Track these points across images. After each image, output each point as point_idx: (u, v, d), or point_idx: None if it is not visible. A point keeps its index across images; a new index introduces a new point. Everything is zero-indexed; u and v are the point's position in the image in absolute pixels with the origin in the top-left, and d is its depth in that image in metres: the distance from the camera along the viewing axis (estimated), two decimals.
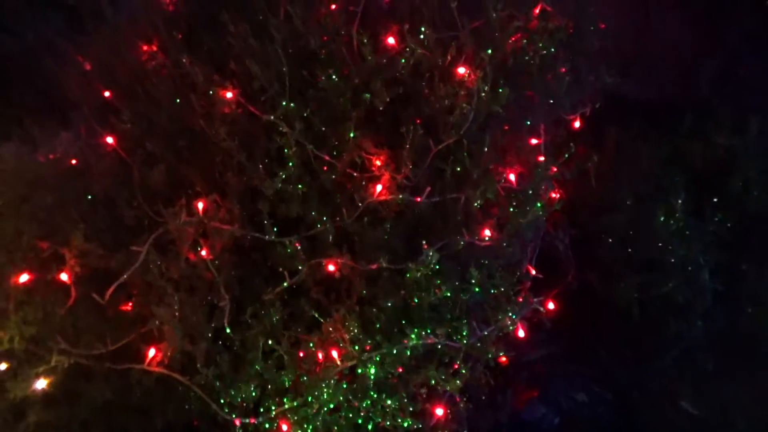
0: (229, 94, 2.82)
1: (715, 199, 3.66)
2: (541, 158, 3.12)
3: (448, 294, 2.73)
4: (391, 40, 2.86)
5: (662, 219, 3.50)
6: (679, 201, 3.51)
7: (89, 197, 2.82)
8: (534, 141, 3.16)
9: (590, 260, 3.58)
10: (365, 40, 2.78)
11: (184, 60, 2.87)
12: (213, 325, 2.68)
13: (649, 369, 3.67)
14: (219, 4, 3.13)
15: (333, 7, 2.88)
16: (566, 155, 3.02)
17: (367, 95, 2.77)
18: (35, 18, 4.93)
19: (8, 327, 2.36)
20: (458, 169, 2.88)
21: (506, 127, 3.06)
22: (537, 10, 3.15)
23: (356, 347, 2.61)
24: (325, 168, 2.82)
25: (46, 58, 3.88)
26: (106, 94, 3.25)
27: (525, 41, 2.95)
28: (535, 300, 3.02)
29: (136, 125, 3.01)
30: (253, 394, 2.64)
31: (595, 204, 3.59)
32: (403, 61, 2.83)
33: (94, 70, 3.43)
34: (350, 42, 2.87)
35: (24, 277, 2.49)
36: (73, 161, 3.18)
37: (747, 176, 3.68)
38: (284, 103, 2.77)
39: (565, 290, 3.46)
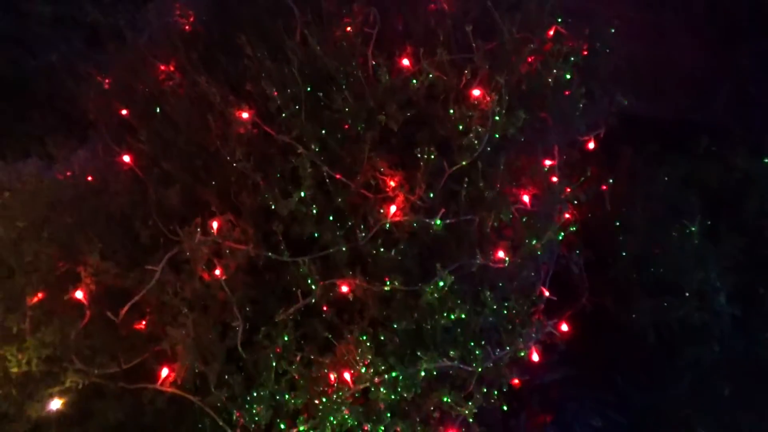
0: (245, 115, 2.85)
1: (732, 222, 3.62)
2: (555, 179, 3.11)
3: (462, 316, 2.70)
4: (405, 62, 2.88)
5: (678, 242, 3.47)
6: (695, 223, 3.48)
7: (106, 216, 2.83)
8: (548, 162, 3.15)
9: (605, 283, 3.55)
10: (380, 62, 2.80)
11: (201, 80, 2.90)
12: (226, 345, 2.67)
13: (665, 394, 3.61)
14: (236, 26, 3.19)
15: (348, 29, 2.91)
16: (582, 178, 3.01)
17: (382, 117, 2.78)
18: (56, 38, 5.03)
19: (25, 348, 2.36)
20: (472, 190, 2.87)
21: (520, 149, 3.06)
22: (551, 32, 3.16)
23: (369, 369, 2.59)
24: (340, 188, 2.83)
25: (66, 77, 3.94)
26: (124, 112, 3.30)
27: (540, 64, 2.96)
28: (549, 323, 3.00)
29: (152, 144, 3.04)
30: (266, 415, 2.62)
31: (609, 226, 3.56)
32: (414, 81, 2.84)
33: (113, 89, 3.49)
34: (365, 64, 2.90)
35: (41, 296, 2.51)
36: (90, 178, 3.22)
37: (763, 199, 3.65)
38: (300, 124, 2.79)
39: (579, 313, 3.43)
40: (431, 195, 2.79)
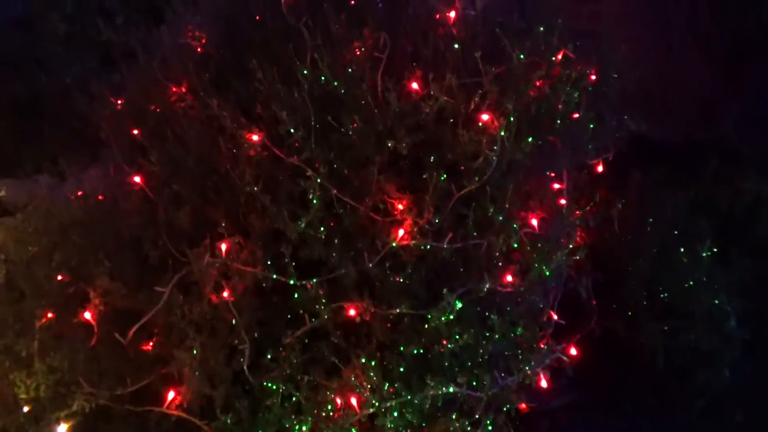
0: (255, 137, 2.87)
1: (742, 246, 3.60)
2: (563, 201, 3.11)
3: (470, 341, 2.69)
4: (414, 86, 2.89)
5: (687, 265, 3.44)
6: (705, 247, 3.46)
7: (116, 236, 2.85)
8: (557, 186, 3.15)
9: (614, 306, 3.52)
10: (390, 86, 2.82)
11: (212, 102, 2.92)
12: (232, 368, 2.67)
13: (675, 419, 3.57)
14: (248, 49, 3.23)
15: (358, 53, 2.93)
16: (591, 203, 3.00)
17: (391, 141, 2.79)
18: (70, 57, 5.10)
19: (34, 373, 2.37)
20: (481, 214, 2.87)
21: (529, 173, 3.06)
22: (559, 56, 3.18)
23: (376, 394, 2.57)
24: (348, 211, 2.83)
25: (79, 96, 4.00)
26: (135, 132, 3.33)
27: (548, 88, 2.97)
28: (558, 348, 2.98)
29: (163, 165, 3.07)
30: None
31: (618, 249, 3.55)
32: (424, 104, 2.85)
33: (125, 109, 3.53)
34: (375, 87, 2.92)
35: (50, 317, 2.52)
36: (100, 197, 3.25)
37: None
38: (309, 147, 2.80)
39: (588, 337, 3.40)
40: (437, 220, 2.78)
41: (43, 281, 2.55)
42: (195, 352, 2.51)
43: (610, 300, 3.52)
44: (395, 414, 2.60)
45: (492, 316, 2.75)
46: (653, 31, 4.58)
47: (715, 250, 3.46)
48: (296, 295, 2.80)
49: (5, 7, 5.53)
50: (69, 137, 4.38)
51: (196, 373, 2.51)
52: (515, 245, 2.88)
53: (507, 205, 2.86)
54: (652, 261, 3.52)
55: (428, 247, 2.77)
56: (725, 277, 3.47)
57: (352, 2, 3.34)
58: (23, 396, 2.35)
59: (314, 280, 2.75)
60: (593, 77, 3.20)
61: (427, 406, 2.63)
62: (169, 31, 3.64)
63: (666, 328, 3.45)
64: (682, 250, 3.47)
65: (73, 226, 2.76)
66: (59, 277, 2.57)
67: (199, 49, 3.49)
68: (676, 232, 3.57)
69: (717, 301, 3.41)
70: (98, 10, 5.36)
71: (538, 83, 3.00)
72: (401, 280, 2.80)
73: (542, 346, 2.93)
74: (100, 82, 3.83)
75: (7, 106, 4.62)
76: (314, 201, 2.75)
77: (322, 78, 2.87)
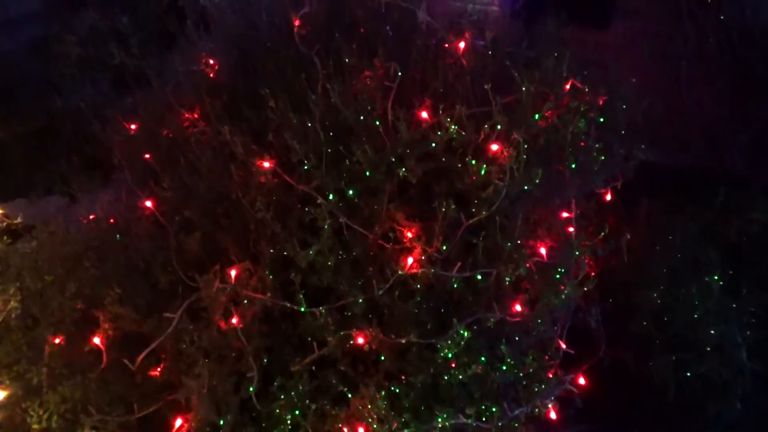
0: (266, 164, 2.90)
1: (752, 276, 3.57)
2: (571, 229, 3.11)
3: (479, 371, 2.68)
4: (424, 115, 2.92)
5: (697, 295, 3.42)
6: (715, 277, 3.44)
7: (126, 261, 2.87)
8: (565, 215, 3.15)
9: (622, 336, 3.49)
10: (400, 116, 2.85)
11: (224, 129, 2.96)
12: (240, 395, 2.66)
13: None
14: (260, 77, 3.28)
15: (369, 83, 2.97)
16: (601, 233, 3.00)
17: (402, 170, 2.81)
18: (83, 81, 5.19)
19: (46, 402, 2.37)
20: (490, 243, 2.88)
21: (537, 201, 3.07)
22: (568, 86, 3.21)
23: (383, 425, 2.55)
24: (358, 239, 2.84)
25: (92, 119, 4.06)
26: (147, 156, 3.36)
27: (557, 119, 2.99)
28: (567, 378, 2.96)
29: (175, 191, 3.10)
30: None
31: (627, 278, 3.53)
32: (434, 133, 2.88)
33: (138, 134, 3.57)
34: (385, 116, 2.95)
35: (60, 342, 2.53)
36: (112, 220, 3.28)
37: None
38: (320, 175, 2.83)
39: (597, 367, 3.37)
40: (445, 248, 2.79)
41: (56, 309, 2.56)
42: (203, 379, 2.50)
43: (619, 330, 3.49)
44: None
45: (502, 347, 2.73)
46: (661, 61, 4.62)
47: (725, 280, 3.44)
48: (305, 323, 2.80)
49: (21, 31, 5.65)
50: (81, 160, 4.44)
51: (204, 400, 2.50)
52: (524, 274, 2.88)
53: (516, 234, 2.86)
54: (662, 290, 3.50)
55: (437, 275, 2.77)
56: (736, 308, 3.44)
57: (362, 31, 3.41)
58: (36, 426, 2.35)
59: (323, 308, 2.76)
60: (601, 106, 3.23)
61: None
62: (182, 57, 3.70)
63: (676, 358, 3.41)
64: (691, 279, 3.45)
65: (87, 251, 2.78)
66: (74, 305, 2.58)
67: (211, 76, 3.55)
68: (685, 262, 3.55)
69: (727, 332, 3.38)
70: (112, 35, 5.46)
71: (547, 113, 3.03)
72: (410, 309, 2.80)
73: (551, 375, 2.92)
74: (113, 106, 3.90)
75: (21, 128, 4.69)
76: (324, 229, 2.76)
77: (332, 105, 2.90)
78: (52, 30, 5.52)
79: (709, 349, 3.42)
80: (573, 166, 3.11)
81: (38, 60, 5.48)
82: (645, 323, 3.50)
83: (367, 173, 2.87)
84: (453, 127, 2.82)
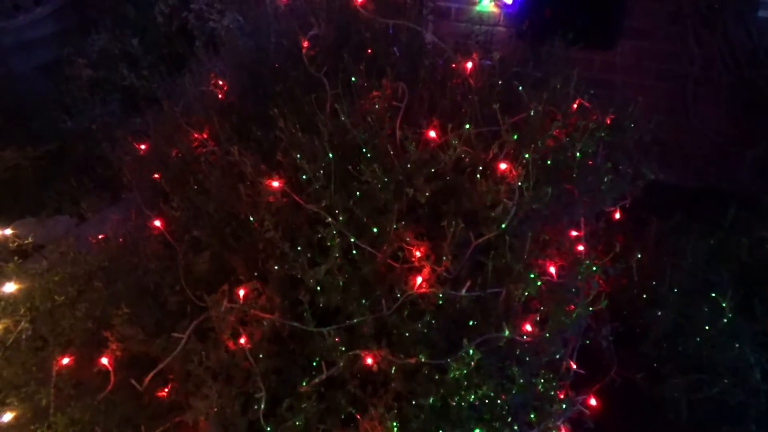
0: (275, 184, 2.90)
1: (765, 296, 3.53)
2: (581, 247, 3.09)
3: (490, 392, 2.64)
4: (432, 134, 2.94)
5: (709, 316, 3.38)
6: (727, 297, 3.40)
7: (135, 281, 2.87)
8: (575, 233, 3.14)
9: (634, 357, 3.45)
10: (408, 135, 2.86)
11: (233, 149, 2.97)
12: (248, 417, 2.63)
13: None
14: (269, 98, 3.31)
15: (377, 103, 2.99)
16: (611, 254, 2.98)
17: (410, 189, 2.82)
18: (93, 101, 5.26)
19: (54, 425, 2.36)
20: (499, 262, 2.86)
21: (547, 221, 3.06)
22: (575, 106, 3.22)
23: None
24: (366, 259, 2.84)
25: (101, 139, 4.09)
26: (156, 176, 3.39)
27: (566, 138, 3.00)
28: (579, 399, 2.92)
29: (184, 211, 3.11)
30: None
31: (638, 298, 3.50)
32: (442, 153, 2.88)
33: (147, 154, 3.60)
34: (393, 136, 2.96)
35: (68, 363, 2.52)
36: (120, 240, 3.29)
37: None
38: (329, 195, 2.83)
39: (608, 388, 3.32)
40: (455, 267, 2.78)
41: (67, 329, 2.56)
42: (211, 400, 2.48)
43: (630, 350, 3.44)
44: None
45: (511, 367, 2.70)
46: (668, 81, 4.64)
47: (737, 300, 3.40)
48: (313, 343, 2.78)
49: (35, 54, 5.74)
50: (91, 180, 4.48)
51: (213, 422, 2.47)
52: (534, 294, 2.86)
53: (525, 254, 2.85)
54: (673, 310, 3.46)
55: (446, 295, 2.75)
56: (749, 328, 3.39)
57: (370, 52, 3.44)
58: None
59: (332, 328, 2.74)
60: (609, 126, 3.24)
61: None
62: (191, 78, 3.74)
63: (688, 380, 3.36)
64: (703, 299, 3.41)
65: (97, 271, 2.79)
66: (84, 325, 2.58)
67: (220, 97, 3.59)
68: (695, 282, 3.51)
69: (740, 353, 3.33)
70: (122, 57, 5.55)
71: (555, 133, 3.03)
72: (419, 329, 2.77)
73: (562, 396, 2.88)
74: (123, 127, 3.94)
75: (32, 150, 4.75)
76: (333, 249, 2.76)
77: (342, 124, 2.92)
78: (64, 53, 5.62)
79: (722, 370, 3.37)
80: (581, 184, 3.11)
81: (50, 82, 5.57)
82: (656, 344, 3.46)
83: (376, 192, 2.87)
84: (460, 147, 2.83)
